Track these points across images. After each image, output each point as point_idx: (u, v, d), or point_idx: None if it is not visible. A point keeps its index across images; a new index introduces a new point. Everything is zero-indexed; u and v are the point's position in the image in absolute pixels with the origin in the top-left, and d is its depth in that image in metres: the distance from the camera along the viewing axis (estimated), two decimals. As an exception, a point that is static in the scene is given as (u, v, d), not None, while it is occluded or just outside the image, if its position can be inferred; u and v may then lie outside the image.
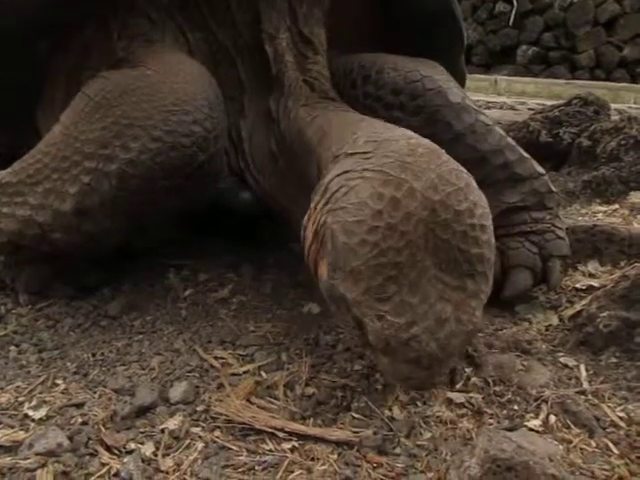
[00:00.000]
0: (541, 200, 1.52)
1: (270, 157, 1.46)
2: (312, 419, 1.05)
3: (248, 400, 1.09)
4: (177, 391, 1.13)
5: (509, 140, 1.52)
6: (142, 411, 1.08)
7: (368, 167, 1.01)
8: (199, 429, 1.04)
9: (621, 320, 1.22)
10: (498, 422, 1.02)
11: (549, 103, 3.73)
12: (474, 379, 1.14)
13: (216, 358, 1.25)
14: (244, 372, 1.20)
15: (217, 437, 1.01)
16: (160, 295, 1.53)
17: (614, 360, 1.18)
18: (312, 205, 1.09)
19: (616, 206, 2.43)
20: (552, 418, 1.02)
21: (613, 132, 2.66)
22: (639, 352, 1.16)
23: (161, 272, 1.63)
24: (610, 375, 1.14)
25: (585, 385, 1.11)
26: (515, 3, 8.29)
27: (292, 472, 0.93)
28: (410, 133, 1.11)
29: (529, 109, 4.41)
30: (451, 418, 1.05)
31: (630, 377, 1.11)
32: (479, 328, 1.05)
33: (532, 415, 1.03)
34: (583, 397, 1.06)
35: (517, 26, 8.51)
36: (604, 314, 1.29)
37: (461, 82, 1.77)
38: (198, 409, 1.08)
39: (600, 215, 2.34)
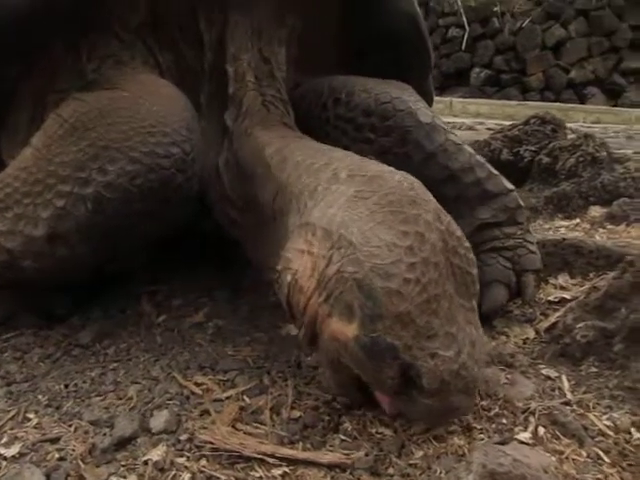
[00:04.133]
0: (512, 216, 1.55)
1: (216, 174, 1.44)
2: (301, 443, 1.03)
3: (234, 426, 1.06)
4: (158, 420, 1.09)
5: (478, 158, 1.56)
6: (122, 443, 1.03)
7: (375, 208, 0.99)
8: (184, 459, 0.99)
9: (598, 330, 1.25)
10: (488, 437, 1.02)
11: (506, 123, 3.85)
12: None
13: (196, 384, 1.21)
14: (227, 398, 1.17)
15: (204, 467, 0.97)
16: (133, 322, 1.48)
17: (594, 370, 1.20)
18: (298, 247, 1.04)
19: (577, 220, 2.51)
20: (541, 430, 1.02)
21: (571, 149, 2.76)
22: (618, 361, 1.18)
23: (133, 298, 1.59)
24: (592, 384, 1.15)
25: (569, 396, 1.12)
26: (467, 28, 8.60)
27: (285, 499, 0.90)
28: (388, 167, 1.12)
29: (487, 129, 4.54)
30: (441, 435, 1.04)
31: (612, 386, 1.13)
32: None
33: (521, 428, 1.04)
34: (569, 407, 1.07)
35: (469, 50, 8.83)
36: (580, 325, 1.32)
37: (429, 102, 1.80)
38: (182, 438, 1.04)
39: (563, 230, 2.41)
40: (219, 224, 1.51)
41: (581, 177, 2.67)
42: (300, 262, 1.03)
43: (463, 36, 8.67)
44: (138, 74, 1.33)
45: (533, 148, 2.90)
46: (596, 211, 2.55)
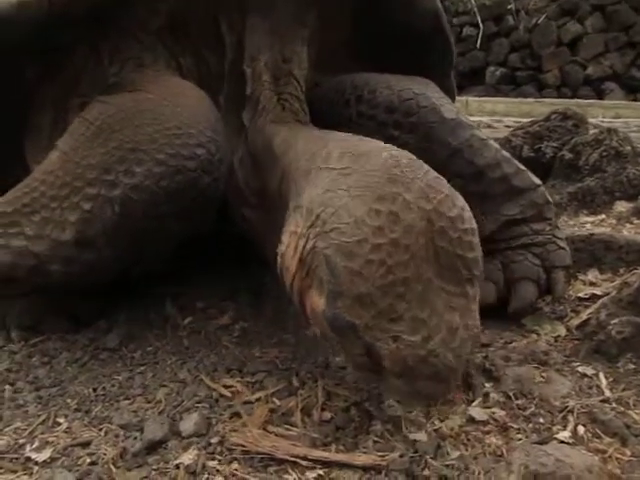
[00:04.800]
0: (540, 211, 1.52)
1: (230, 172, 1.43)
2: (334, 445, 1.01)
3: (265, 429, 1.04)
4: (188, 423, 1.07)
5: (505, 153, 1.53)
6: (153, 447, 1.02)
7: (354, 184, 0.98)
8: (216, 462, 0.98)
9: (634, 326, 1.22)
10: (526, 437, 0.99)
11: (524, 120, 3.80)
12: (494, 394, 1.11)
13: (225, 387, 1.20)
14: (256, 400, 1.15)
15: (236, 470, 0.96)
16: (159, 325, 1.48)
17: (632, 366, 1.17)
18: (290, 229, 1.06)
19: (603, 216, 2.46)
20: (581, 429, 0.99)
21: (594, 144, 2.71)
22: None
23: (157, 301, 1.58)
24: (631, 382, 1.12)
25: (607, 393, 1.09)
26: (481, 26, 8.54)
27: (320, 502, 0.88)
28: (384, 144, 1.09)
29: (506, 126, 4.49)
30: (477, 436, 1.01)
31: None
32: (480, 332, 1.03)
33: (560, 427, 1.01)
34: (608, 405, 1.04)
35: (484, 48, 8.75)
36: (615, 321, 1.28)
37: (452, 99, 1.78)
38: (212, 441, 1.03)
39: (588, 226, 2.36)
40: (237, 225, 1.51)
41: (605, 172, 2.62)
42: (288, 243, 1.04)
43: (477, 34, 8.61)
44: (160, 76, 1.33)
45: (555, 144, 2.85)
46: (622, 206, 2.51)
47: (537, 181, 1.54)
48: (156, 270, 1.61)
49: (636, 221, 2.34)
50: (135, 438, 1.03)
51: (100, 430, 1.07)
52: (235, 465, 0.97)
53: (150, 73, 1.36)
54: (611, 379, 1.14)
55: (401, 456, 0.97)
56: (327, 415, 1.09)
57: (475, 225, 0.98)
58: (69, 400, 1.17)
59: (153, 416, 1.10)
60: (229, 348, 1.38)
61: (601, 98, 7.63)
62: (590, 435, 0.97)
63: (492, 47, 8.76)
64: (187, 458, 0.99)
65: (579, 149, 2.76)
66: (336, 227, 0.93)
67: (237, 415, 1.10)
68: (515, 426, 1.03)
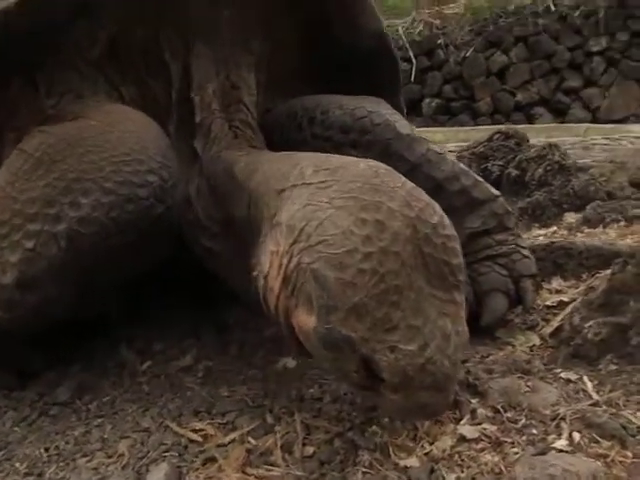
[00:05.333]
0: (501, 222, 1.51)
1: (187, 204, 1.37)
2: (320, 482, 0.93)
3: (244, 472, 0.95)
4: (156, 476, 0.97)
5: (462, 166, 1.52)
6: (118, 506, 0.91)
7: (335, 195, 0.95)
8: (192, 516, 0.88)
9: (610, 326, 1.20)
10: (522, 450, 0.94)
11: (464, 144, 3.90)
12: (481, 409, 1.06)
13: (194, 431, 1.10)
14: (230, 442, 1.06)
15: (216, 521, 0.86)
16: (115, 372, 1.36)
17: (614, 367, 1.15)
18: (269, 249, 1.01)
19: (554, 228, 2.51)
20: (576, 435, 0.95)
21: (538, 160, 2.79)
22: (638, 354, 1.13)
23: (111, 346, 1.46)
24: (616, 382, 1.09)
25: (595, 396, 1.06)
26: (414, 61, 8.86)
27: None
28: (356, 158, 1.08)
29: (450, 151, 4.60)
30: (470, 455, 0.95)
31: (637, 380, 1.07)
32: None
33: (554, 436, 0.96)
34: (599, 408, 1.01)
35: (419, 81, 9.06)
36: (589, 324, 1.27)
37: (402, 115, 1.78)
38: (186, 492, 0.93)
39: (541, 238, 2.40)
40: (195, 257, 1.42)
41: (552, 185, 2.69)
42: (269, 263, 0.99)
43: (411, 69, 8.91)
44: (102, 105, 1.25)
45: (500, 162, 2.93)
46: (571, 217, 2.57)
47: (495, 192, 1.54)
48: (108, 312, 1.51)
49: (587, 230, 2.39)
50: (97, 498, 0.92)
51: (55, 495, 0.95)
52: (214, 516, 0.87)
53: (91, 103, 1.28)
54: (596, 382, 1.11)
55: (396, 485, 0.90)
56: (309, 450, 1.01)
57: (455, 232, 0.96)
58: (18, 464, 1.04)
59: (116, 472, 0.99)
60: (194, 390, 1.27)
61: (531, 123, 8.00)
62: (587, 440, 0.93)
63: (426, 80, 9.08)
64: (158, 515, 0.88)
65: (524, 165, 2.84)
66: (322, 239, 0.89)
67: (211, 460, 1.00)
68: (508, 440, 0.97)
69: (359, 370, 0.88)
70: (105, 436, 1.11)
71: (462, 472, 0.92)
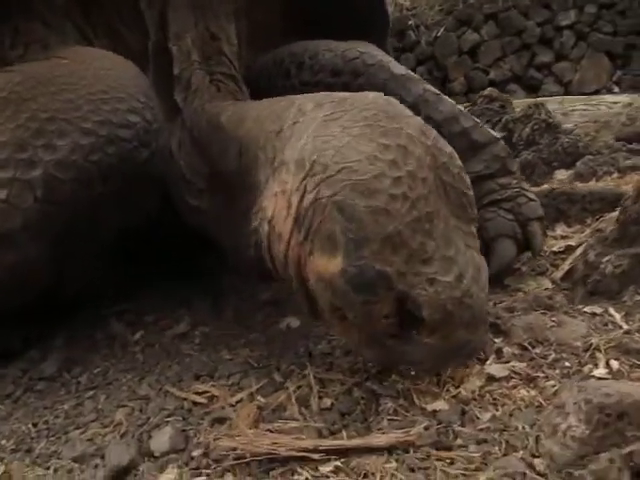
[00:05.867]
0: (504, 165, 1.44)
1: (169, 159, 1.28)
2: (344, 432, 0.84)
3: (257, 428, 0.86)
4: (161, 440, 0.87)
5: (460, 107, 1.46)
6: (120, 474, 0.81)
7: (349, 124, 0.87)
8: (204, 478, 0.79)
9: (632, 257, 1.14)
10: (558, 382, 0.87)
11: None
12: (507, 348, 0.99)
13: (197, 394, 1.01)
14: (238, 401, 0.97)
15: (232, 481, 0.77)
16: (104, 344, 1.26)
17: (639, 298, 1.08)
18: (273, 191, 0.92)
19: (546, 186, 2.45)
20: (614, 363, 0.88)
21: (524, 119, 2.74)
22: (664, 282, 1.07)
23: (98, 320, 1.36)
24: (645, 311, 1.03)
25: (626, 326, 0.99)
26: (386, 43, 8.79)
27: (347, 497, 0.71)
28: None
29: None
30: (503, 392, 0.88)
31: None
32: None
33: (591, 366, 0.89)
34: (633, 336, 0.94)
35: (391, 64, 8.99)
36: (607, 258, 1.20)
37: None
38: (195, 454, 0.84)
39: (535, 196, 2.34)
40: (181, 221, 1.32)
41: (540, 144, 2.64)
42: (274, 206, 0.90)
43: (383, 51, 8.84)
44: (73, 47, 1.14)
45: (486, 125, 2.87)
46: (562, 174, 2.51)
47: (496, 134, 1.47)
48: (93, 287, 1.40)
49: (579, 185, 2.34)
50: (96, 467, 0.82)
51: (47, 469, 0.85)
52: (229, 477, 0.78)
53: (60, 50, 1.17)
54: (623, 313, 1.05)
55: (426, 429, 0.81)
56: (327, 402, 0.92)
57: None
58: (4, 441, 0.93)
59: (114, 440, 0.89)
60: (192, 355, 1.18)
61: (507, 98, 7.98)
62: (628, 367, 0.86)
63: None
64: (167, 479, 0.79)
65: (510, 126, 2.78)
66: (344, 167, 0.81)
67: (219, 421, 0.91)
68: (541, 375, 0.90)
69: (391, 314, 0.79)
70: (99, 407, 1.01)
71: (497, 410, 0.84)
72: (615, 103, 4.26)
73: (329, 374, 1.02)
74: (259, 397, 0.97)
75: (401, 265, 0.76)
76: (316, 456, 0.77)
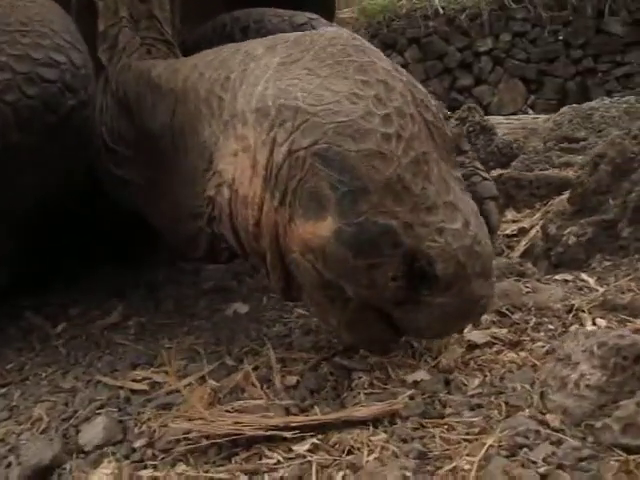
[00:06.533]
0: (457, 144, 1.40)
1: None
2: (317, 407, 0.72)
3: (215, 407, 0.72)
4: (91, 433, 0.72)
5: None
6: (42, 473, 0.65)
7: (314, 65, 0.76)
8: (150, 470, 0.64)
9: (596, 224, 1.11)
10: (547, 342, 0.80)
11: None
12: (485, 315, 0.91)
13: (136, 381, 0.85)
14: (186, 386, 0.82)
15: (186, 471, 0.63)
16: (18, 337, 1.07)
17: (608, 263, 1.04)
18: (231, 149, 0.79)
19: (493, 172, 2.47)
20: (601, 321, 0.82)
21: (459, 122, 2.77)
22: (632, 245, 1.04)
23: (10, 314, 1.16)
24: (618, 274, 0.99)
25: (602, 289, 0.94)
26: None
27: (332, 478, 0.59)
28: None
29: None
30: (489, 358, 0.79)
31: None
32: None
33: (577, 326, 0.83)
34: (615, 295, 0.89)
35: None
36: (568, 230, 1.17)
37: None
38: (137, 445, 0.69)
39: (474, 194, 2.34)
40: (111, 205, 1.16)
41: (476, 145, 2.66)
42: (235, 167, 0.77)
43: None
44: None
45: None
46: (499, 173, 2.55)
47: (447, 112, 1.43)
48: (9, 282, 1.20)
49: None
50: (9, 466, 0.65)
51: (-57, 476, 0.67)
52: (182, 466, 0.64)
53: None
54: (595, 278, 1.00)
55: (411, 398, 0.71)
56: (292, 380, 0.80)
57: None
58: None
59: (33, 437, 0.72)
60: (127, 345, 1.02)
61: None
62: (617, 323, 0.81)
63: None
64: (102, 475, 0.63)
65: (446, 128, 2.80)
66: (321, 109, 0.69)
67: (165, 407, 0.76)
68: (526, 339, 0.83)
69: (398, 276, 0.67)
70: (13, 404, 0.83)
71: (485, 375, 0.75)
72: (536, 118, 4.46)
73: (291, 353, 0.90)
74: (211, 381, 0.83)
75: (406, 216, 0.65)
76: (288, 434, 0.65)
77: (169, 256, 1.43)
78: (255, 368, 0.85)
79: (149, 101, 1.02)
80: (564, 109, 3.02)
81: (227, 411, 0.71)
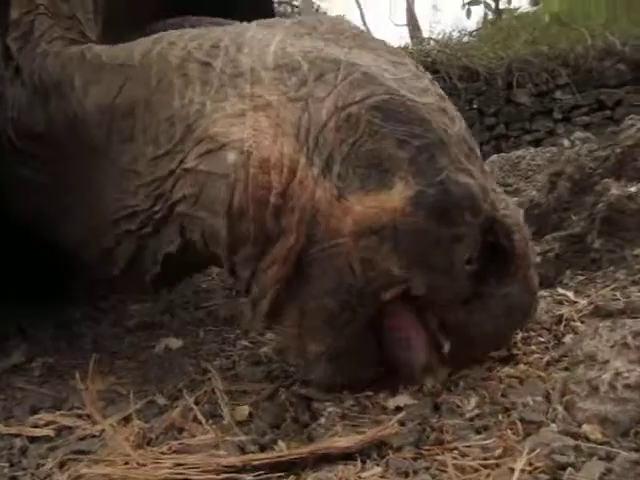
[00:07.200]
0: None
1: None
2: (281, 443, 0.56)
3: (144, 449, 0.54)
4: (-32, 497, 0.51)
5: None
6: None
7: (331, 37, 0.68)
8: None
9: (563, 239, 1.04)
10: (542, 352, 0.69)
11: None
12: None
13: (37, 427, 0.65)
14: (102, 431, 0.63)
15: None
16: None
17: (582, 277, 0.96)
18: (237, 111, 0.65)
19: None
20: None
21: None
22: (604, 257, 0.97)
23: None
24: (596, 285, 0.90)
25: (584, 301, 0.85)
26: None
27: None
28: None
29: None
30: (482, 376, 0.66)
31: (620, 277, 0.89)
32: None
33: (571, 336, 0.72)
34: (604, 302, 0.80)
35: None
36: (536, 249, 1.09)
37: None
38: (34, 507, 0.49)
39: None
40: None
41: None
42: (241, 127, 0.62)
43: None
44: None
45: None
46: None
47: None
48: None
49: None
50: None
51: None
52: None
53: None
54: (572, 292, 0.92)
55: (402, 424, 0.57)
56: (244, 411, 0.64)
57: None
58: None
59: None
60: (26, 390, 0.82)
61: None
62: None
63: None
64: None
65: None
66: (367, 69, 0.61)
67: (78, 454, 0.57)
68: (518, 352, 0.71)
69: (474, 257, 0.57)
70: None
71: (482, 394, 0.62)
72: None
73: (238, 385, 0.74)
74: (138, 421, 0.65)
75: (479, 177, 0.56)
76: (249, 477, 0.48)
77: (88, 293, 1.24)
78: (196, 403, 0.68)
79: (78, 84, 0.86)
80: (493, 157, 3.10)
81: (163, 453, 0.53)
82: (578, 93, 3.86)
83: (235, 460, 0.49)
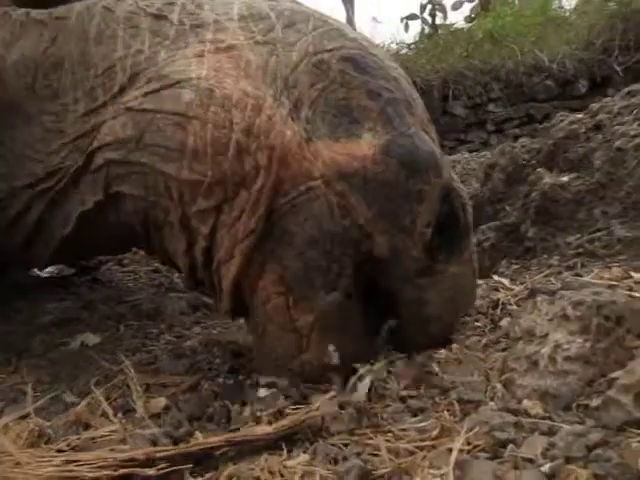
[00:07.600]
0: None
1: None
2: (199, 435, 0.50)
3: (38, 447, 0.47)
4: None
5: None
6: None
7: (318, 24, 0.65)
8: None
9: (498, 229, 1.03)
10: (480, 335, 0.66)
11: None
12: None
13: None
14: (-3, 429, 0.55)
15: None
16: None
17: (517, 266, 0.96)
18: (197, 50, 0.61)
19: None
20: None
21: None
22: (538, 245, 0.96)
23: None
24: (531, 273, 0.89)
25: (519, 287, 0.83)
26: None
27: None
28: None
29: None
30: (414, 362, 0.63)
31: (556, 262, 0.89)
32: None
33: (509, 319, 0.70)
34: (542, 285, 0.78)
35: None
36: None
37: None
38: None
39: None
40: None
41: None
42: (199, 67, 0.58)
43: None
44: None
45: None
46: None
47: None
48: None
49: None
50: None
51: None
52: None
53: None
54: (507, 280, 0.90)
55: (342, 407, 0.52)
56: (160, 403, 0.57)
57: None
58: None
59: None
60: None
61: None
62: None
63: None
64: None
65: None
66: (336, 26, 0.61)
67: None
68: (453, 337, 0.68)
69: (431, 221, 0.55)
70: None
71: (415, 377, 0.58)
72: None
73: (157, 378, 0.67)
74: (37, 418, 0.57)
75: (437, 148, 0.56)
76: (151, 471, 0.42)
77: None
78: (107, 398, 0.61)
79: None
80: (430, 162, 3.14)
81: (59, 450, 0.46)
82: (510, 106, 3.99)
83: (137, 453, 0.43)
